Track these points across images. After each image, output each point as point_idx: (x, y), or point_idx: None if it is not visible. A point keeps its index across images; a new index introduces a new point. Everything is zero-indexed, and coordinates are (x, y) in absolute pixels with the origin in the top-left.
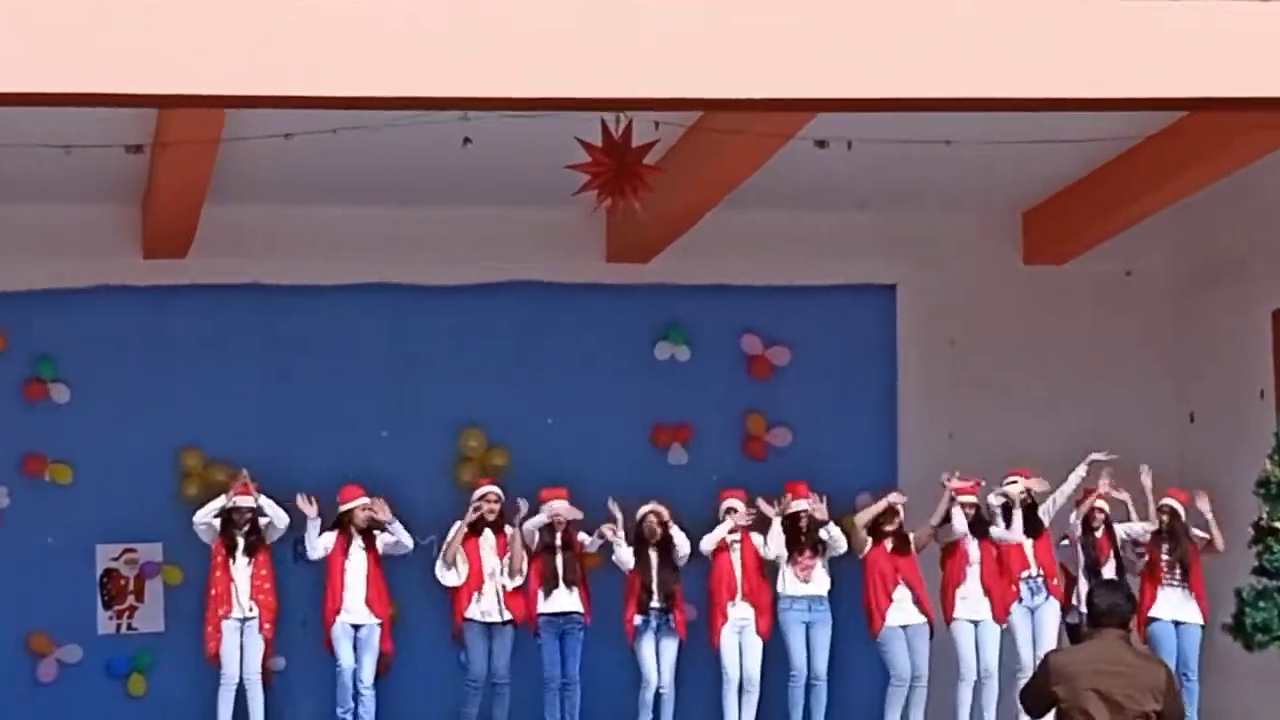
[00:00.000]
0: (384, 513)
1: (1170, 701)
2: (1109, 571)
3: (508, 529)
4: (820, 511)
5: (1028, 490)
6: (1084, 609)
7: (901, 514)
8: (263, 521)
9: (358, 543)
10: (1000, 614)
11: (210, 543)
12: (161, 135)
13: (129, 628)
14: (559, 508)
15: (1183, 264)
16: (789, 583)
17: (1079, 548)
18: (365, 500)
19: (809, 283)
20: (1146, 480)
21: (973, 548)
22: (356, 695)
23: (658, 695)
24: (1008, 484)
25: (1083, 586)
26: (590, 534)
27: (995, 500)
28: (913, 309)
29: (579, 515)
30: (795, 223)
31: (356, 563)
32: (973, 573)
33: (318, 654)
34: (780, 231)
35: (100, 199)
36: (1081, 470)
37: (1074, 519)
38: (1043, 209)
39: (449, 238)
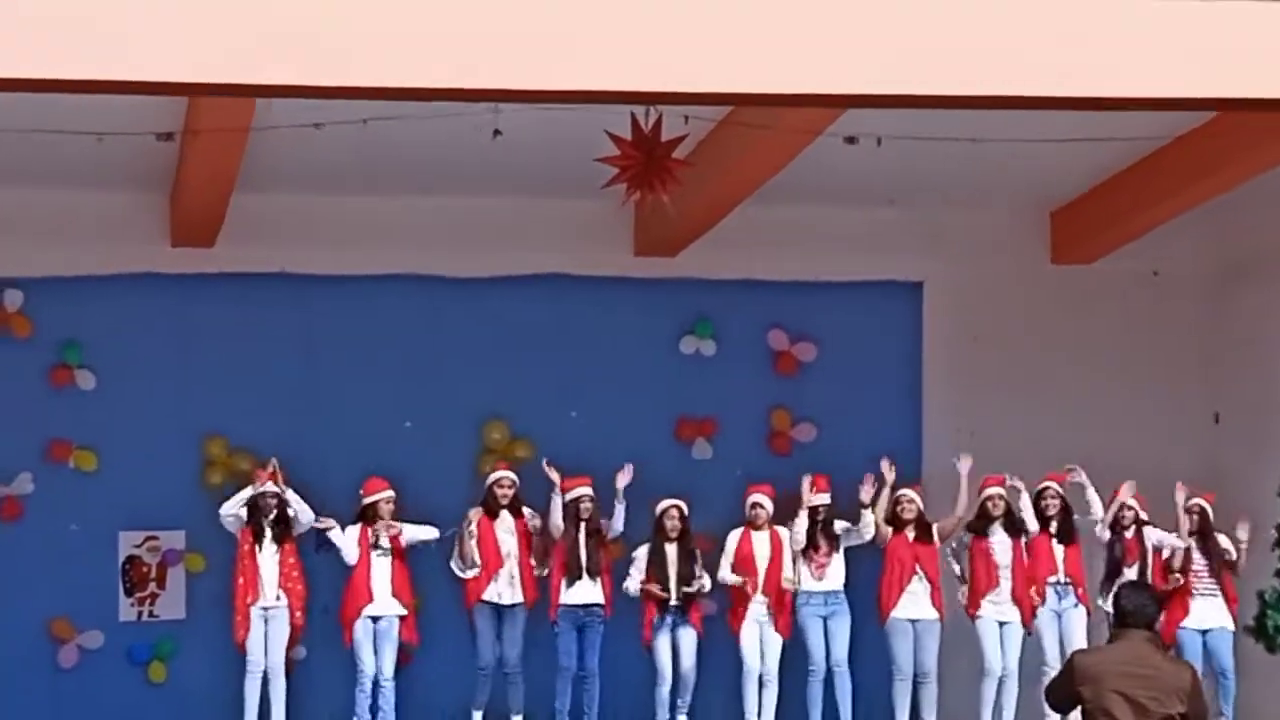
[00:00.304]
0: (277, 483)
1: (1195, 704)
2: (1133, 575)
3: (526, 511)
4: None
5: (1060, 495)
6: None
7: (921, 504)
8: (290, 511)
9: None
10: (1028, 619)
11: (235, 533)
12: (192, 123)
13: (150, 615)
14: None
15: (1211, 264)
16: (804, 579)
17: (1106, 549)
18: (389, 493)
19: (836, 278)
20: (1180, 496)
21: (1001, 549)
22: (377, 687)
23: (675, 682)
24: (1042, 487)
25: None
26: (609, 518)
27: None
28: (940, 306)
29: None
30: (823, 218)
31: (381, 554)
32: (1004, 575)
33: (339, 644)
34: (808, 227)
35: (129, 186)
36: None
37: (1101, 527)
38: (1071, 208)
39: (476, 229)
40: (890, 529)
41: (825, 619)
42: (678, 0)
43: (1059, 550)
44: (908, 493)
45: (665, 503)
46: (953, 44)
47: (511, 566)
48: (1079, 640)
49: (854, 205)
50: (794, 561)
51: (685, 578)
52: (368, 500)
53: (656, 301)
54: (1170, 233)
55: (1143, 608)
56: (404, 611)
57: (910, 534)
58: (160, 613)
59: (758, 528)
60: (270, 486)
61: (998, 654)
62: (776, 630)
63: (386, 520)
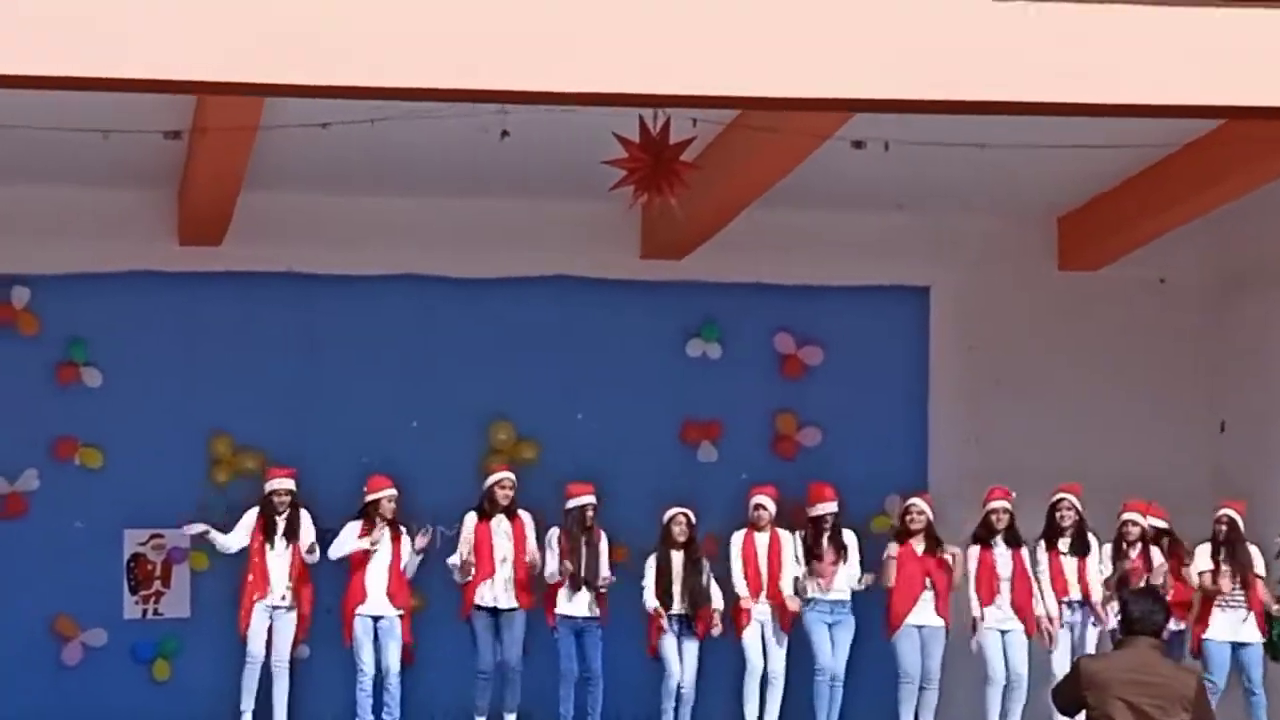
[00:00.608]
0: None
1: (1200, 712)
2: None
3: (522, 513)
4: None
5: (1075, 506)
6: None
7: (930, 513)
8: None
9: (383, 534)
10: (1030, 627)
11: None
12: (199, 122)
13: (155, 613)
14: None
15: (1217, 272)
16: (810, 588)
17: (1111, 564)
18: (392, 491)
19: (843, 283)
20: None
21: (1003, 561)
22: (383, 685)
23: (678, 691)
24: (1057, 498)
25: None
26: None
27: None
28: (946, 311)
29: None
30: (830, 223)
31: (381, 554)
32: (1004, 588)
33: (341, 643)
34: (815, 231)
35: (137, 184)
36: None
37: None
38: (1078, 214)
39: (484, 230)
40: (896, 543)
41: (830, 626)
42: (686, 3)
43: (1072, 566)
44: (917, 502)
45: (672, 510)
46: (961, 49)
47: (506, 571)
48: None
49: (861, 210)
50: (799, 578)
51: (692, 588)
52: (370, 498)
53: (663, 304)
54: (1176, 240)
55: (1149, 614)
56: (402, 611)
57: (918, 545)
58: (165, 611)
59: (760, 529)
60: (284, 483)
61: (1000, 663)
62: (781, 629)
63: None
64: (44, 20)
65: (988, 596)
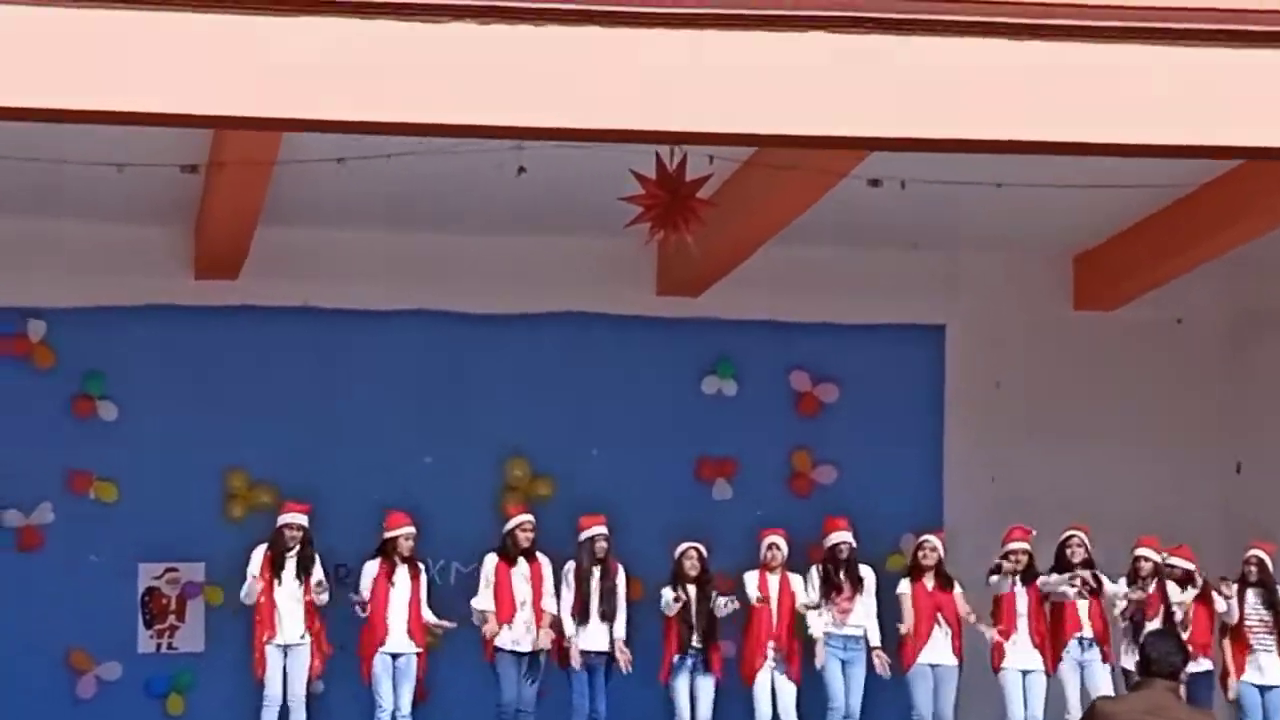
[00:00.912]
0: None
1: None
2: (1156, 625)
3: (540, 556)
4: None
5: (1084, 545)
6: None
7: (942, 550)
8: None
9: (402, 571)
10: (1050, 665)
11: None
12: (216, 156)
13: (169, 647)
14: None
15: (1234, 313)
16: (826, 622)
17: (1126, 601)
18: (411, 529)
19: (859, 321)
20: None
21: (1021, 598)
22: None
23: None
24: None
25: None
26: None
27: (1069, 590)
28: (961, 350)
29: None
30: (847, 260)
31: (400, 591)
32: (1022, 624)
33: (357, 680)
34: (831, 269)
35: (153, 219)
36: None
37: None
38: (1094, 254)
39: (500, 266)
40: (908, 580)
41: (844, 663)
42: (704, 41)
43: (1083, 604)
44: (930, 539)
45: (684, 545)
46: (978, 88)
47: (526, 614)
48: (1103, 691)
49: (877, 248)
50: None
51: (705, 621)
52: (389, 535)
53: (679, 341)
54: (1192, 281)
55: (1167, 656)
56: (420, 649)
57: (929, 582)
58: (179, 645)
59: (772, 570)
60: (297, 518)
61: (1020, 706)
62: (789, 678)
63: (435, 621)
64: (60, 54)
65: (1006, 635)
